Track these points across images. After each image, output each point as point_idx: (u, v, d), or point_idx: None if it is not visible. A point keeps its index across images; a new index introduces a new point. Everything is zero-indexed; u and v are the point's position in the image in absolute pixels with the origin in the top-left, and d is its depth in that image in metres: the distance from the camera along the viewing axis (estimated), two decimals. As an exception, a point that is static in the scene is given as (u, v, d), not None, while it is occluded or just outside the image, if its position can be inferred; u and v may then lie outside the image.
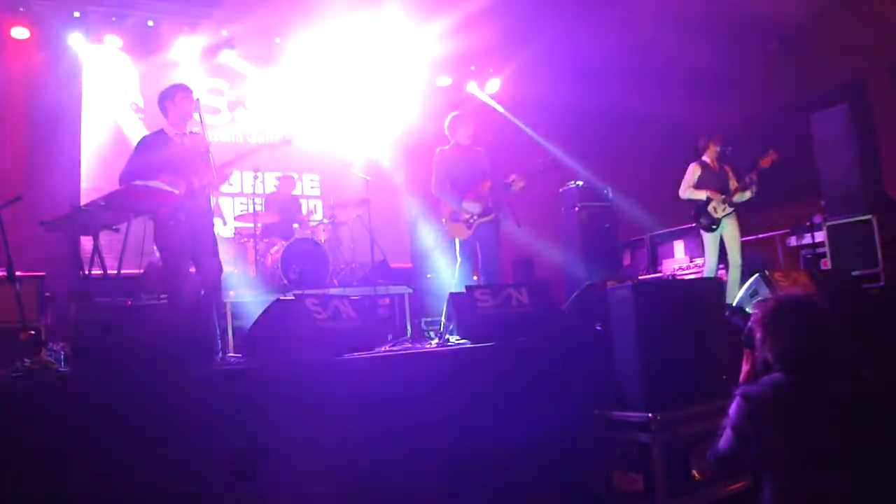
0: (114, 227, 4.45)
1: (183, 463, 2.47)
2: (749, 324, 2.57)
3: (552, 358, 3.71)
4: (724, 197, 6.30)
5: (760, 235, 9.31)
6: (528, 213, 6.48)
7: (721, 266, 6.47)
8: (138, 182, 4.12)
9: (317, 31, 8.66)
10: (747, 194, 6.26)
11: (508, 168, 5.76)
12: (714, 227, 6.32)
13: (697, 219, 6.41)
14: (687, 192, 6.50)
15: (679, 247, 9.17)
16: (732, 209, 6.31)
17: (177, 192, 4.46)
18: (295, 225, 7.09)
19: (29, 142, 7.11)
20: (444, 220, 5.60)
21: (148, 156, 4.56)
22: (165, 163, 4.50)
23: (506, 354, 3.48)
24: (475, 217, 5.48)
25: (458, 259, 5.53)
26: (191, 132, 4.76)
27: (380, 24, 8.50)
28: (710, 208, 6.32)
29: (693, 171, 6.50)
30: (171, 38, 8.08)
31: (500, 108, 9.99)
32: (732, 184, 6.40)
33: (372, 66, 9.37)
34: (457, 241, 5.55)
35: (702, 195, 6.38)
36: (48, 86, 7.41)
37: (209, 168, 4.59)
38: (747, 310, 4.51)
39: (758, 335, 2.48)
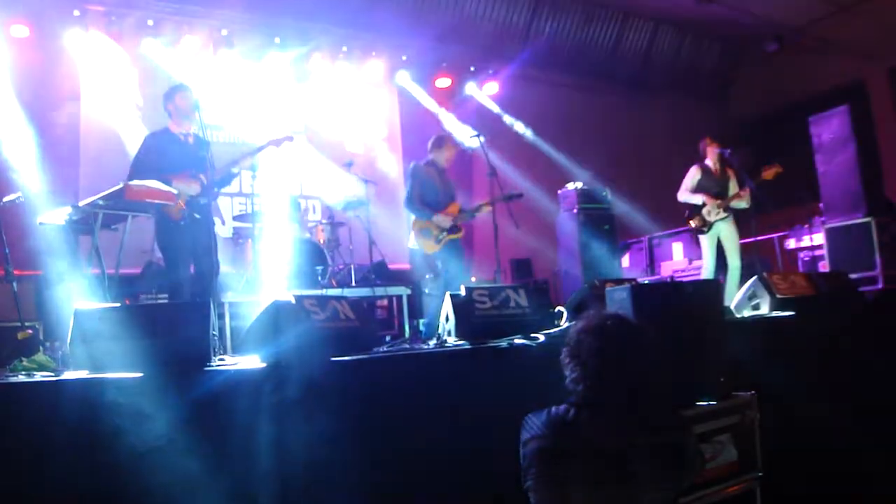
0: (112, 227, 4.45)
1: (179, 468, 2.46)
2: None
3: (549, 359, 3.70)
4: (719, 202, 6.30)
5: (759, 237, 9.31)
6: (527, 215, 6.49)
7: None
8: (136, 181, 4.12)
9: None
10: (744, 203, 6.27)
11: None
12: (704, 229, 6.34)
13: (689, 220, 6.44)
14: (684, 195, 6.52)
15: (678, 248, 9.18)
16: (727, 214, 6.32)
17: (193, 192, 4.50)
18: (294, 225, 7.07)
19: (27, 140, 7.10)
20: (412, 232, 5.73)
21: (159, 154, 4.60)
22: (177, 162, 4.57)
23: (504, 356, 3.47)
24: (444, 233, 5.61)
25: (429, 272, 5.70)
26: (193, 133, 4.79)
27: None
28: (703, 211, 6.35)
29: (693, 174, 6.51)
30: (171, 38, 8.10)
31: (497, 110, 10.00)
32: (733, 188, 6.39)
33: (371, 66, 9.38)
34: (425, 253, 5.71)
35: (698, 200, 6.39)
36: (47, 84, 7.40)
37: (211, 167, 4.64)
38: (745, 313, 4.50)
39: (565, 357, 2.21)
